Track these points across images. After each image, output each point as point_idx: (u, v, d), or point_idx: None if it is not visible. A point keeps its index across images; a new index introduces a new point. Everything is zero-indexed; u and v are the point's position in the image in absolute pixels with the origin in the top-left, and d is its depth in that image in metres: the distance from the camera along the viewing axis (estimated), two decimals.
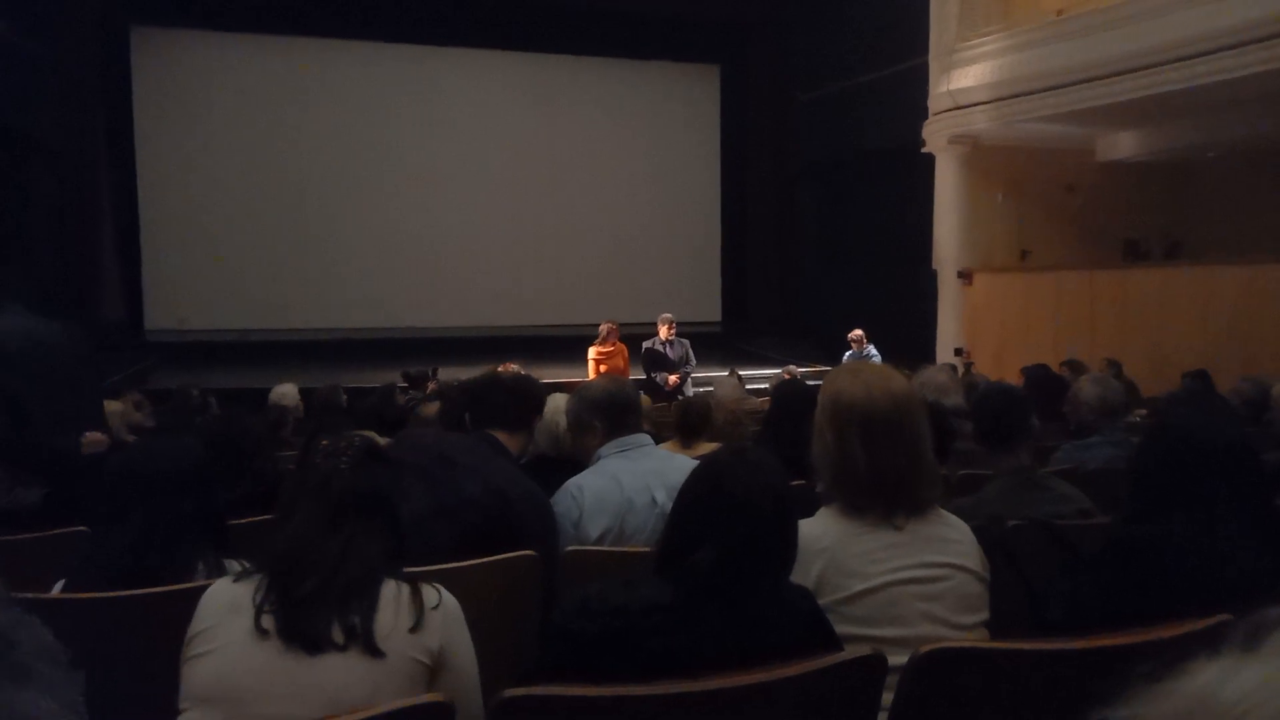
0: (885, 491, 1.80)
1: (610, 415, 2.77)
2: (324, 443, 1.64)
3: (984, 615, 1.83)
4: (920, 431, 1.83)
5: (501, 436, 2.69)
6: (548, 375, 9.14)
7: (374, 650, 1.47)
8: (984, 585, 1.85)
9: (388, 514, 1.63)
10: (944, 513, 1.89)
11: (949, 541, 1.83)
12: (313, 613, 1.48)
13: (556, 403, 3.23)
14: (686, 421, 4.31)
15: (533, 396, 2.90)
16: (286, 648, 1.46)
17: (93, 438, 3.07)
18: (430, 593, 1.58)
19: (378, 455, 1.68)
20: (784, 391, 4.35)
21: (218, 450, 2.71)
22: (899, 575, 1.76)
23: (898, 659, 1.54)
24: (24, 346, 3.05)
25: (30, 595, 1.94)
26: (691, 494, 1.67)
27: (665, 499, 2.49)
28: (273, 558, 1.55)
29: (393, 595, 1.54)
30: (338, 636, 1.47)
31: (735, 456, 1.68)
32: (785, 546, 1.64)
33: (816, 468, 1.91)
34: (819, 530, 1.82)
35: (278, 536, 1.58)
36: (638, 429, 2.81)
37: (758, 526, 1.57)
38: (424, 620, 1.53)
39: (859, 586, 1.75)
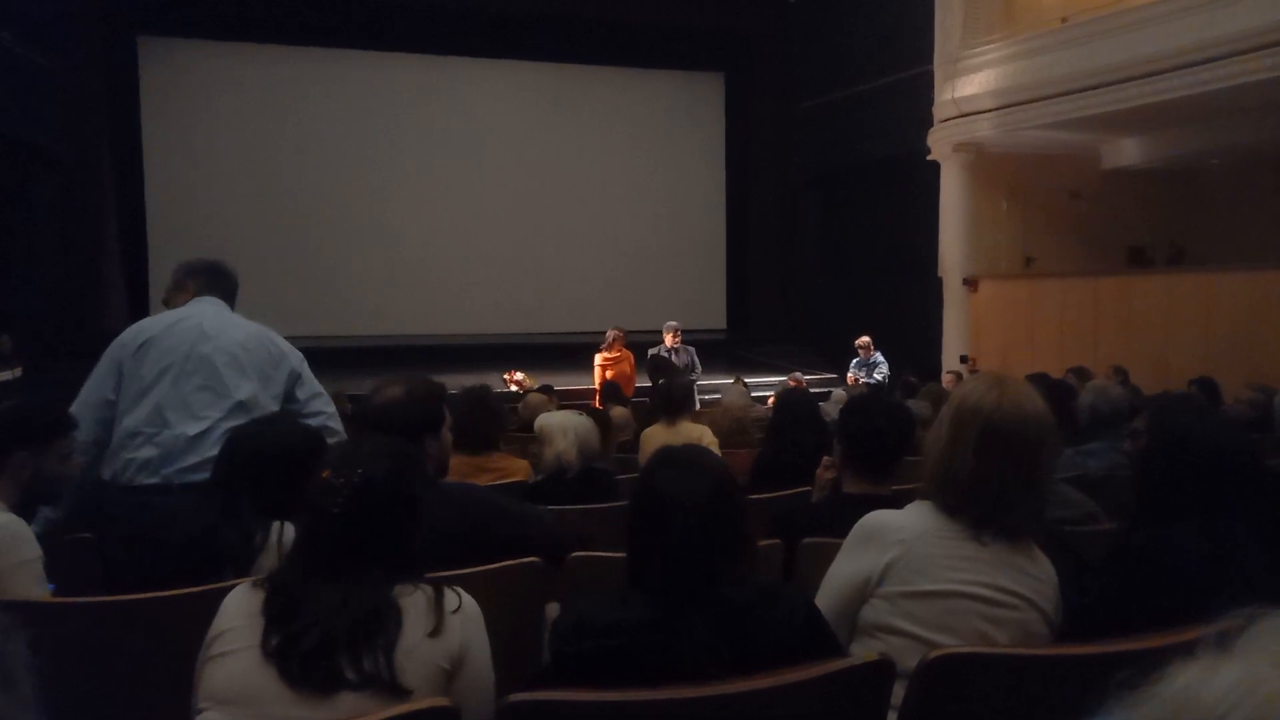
0: (980, 503, 1.75)
1: (207, 276, 3.13)
2: (325, 475, 1.55)
3: None
4: (1040, 459, 1.77)
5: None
6: (555, 382, 9.15)
7: (397, 691, 1.43)
8: (1050, 631, 1.79)
9: (399, 534, 1.56)
10: (1036, 549, 1.83)
11: (1029, 576, 1.78)
12: (321, 661, 1.43)
13: (567, 418, 3.46)
14: (670, 401, 4.81)
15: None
16: (297, 693, 1.41)
17: None
18: (451, 596, 1.56)
19: (385, 484, 1.55)
20: (788, 400, 4.35)
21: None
22: (967, 588, 1.73)
23: None
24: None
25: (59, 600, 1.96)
26: (633, 504, 1.68)
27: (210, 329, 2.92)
28: (270, 600, 1.49)
29: (412, 604, 1.51)
30: (352, 676, 1.43)
31: (662, 460, 1.68)
32: (727, 543, 1.59)
33: (923, 458, 1.88)
34: (904, 520, 1.80)
35: (273, 577, 1.52)
36: (227, 296, 3.14)
37: (685, 527, 1.56)
38: (444, 624, 1.52)
39: (925, 585, 1.73)
